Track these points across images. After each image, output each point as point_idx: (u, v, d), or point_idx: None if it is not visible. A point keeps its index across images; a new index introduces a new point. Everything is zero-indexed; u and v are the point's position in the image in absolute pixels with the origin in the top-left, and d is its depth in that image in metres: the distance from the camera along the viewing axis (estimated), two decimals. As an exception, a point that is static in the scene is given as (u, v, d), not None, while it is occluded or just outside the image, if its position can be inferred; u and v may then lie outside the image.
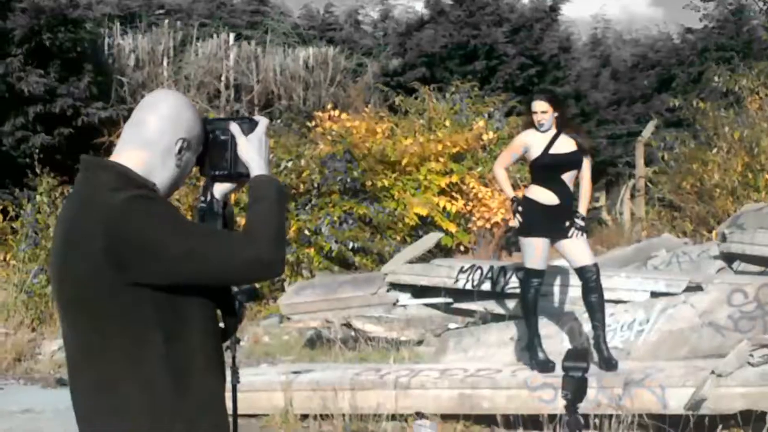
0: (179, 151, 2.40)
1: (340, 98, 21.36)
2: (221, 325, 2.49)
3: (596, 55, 27.99)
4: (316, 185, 13.48)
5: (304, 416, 6.70)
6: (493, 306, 8.16)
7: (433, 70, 22.67)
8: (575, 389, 3.44)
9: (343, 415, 6.31)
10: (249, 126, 2.49)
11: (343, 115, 16.03)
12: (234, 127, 2.47)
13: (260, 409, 6.83)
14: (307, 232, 12.74)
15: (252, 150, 2.45)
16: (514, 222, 6.55)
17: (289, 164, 13.46)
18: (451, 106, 17.27)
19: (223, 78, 21.02)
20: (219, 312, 2.45)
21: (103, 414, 2.29)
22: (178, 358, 2.28)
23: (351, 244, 12.72)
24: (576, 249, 6.49)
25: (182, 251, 2.21)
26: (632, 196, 19.06)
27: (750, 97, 14.45)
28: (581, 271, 6.49)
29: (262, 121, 2.49)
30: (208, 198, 2.52)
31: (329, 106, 17.00)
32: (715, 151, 14.15)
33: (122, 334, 2.25)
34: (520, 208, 6.45)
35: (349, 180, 13.53)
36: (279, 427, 6.66)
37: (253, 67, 21.55)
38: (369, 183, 13.94)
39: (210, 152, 2.50)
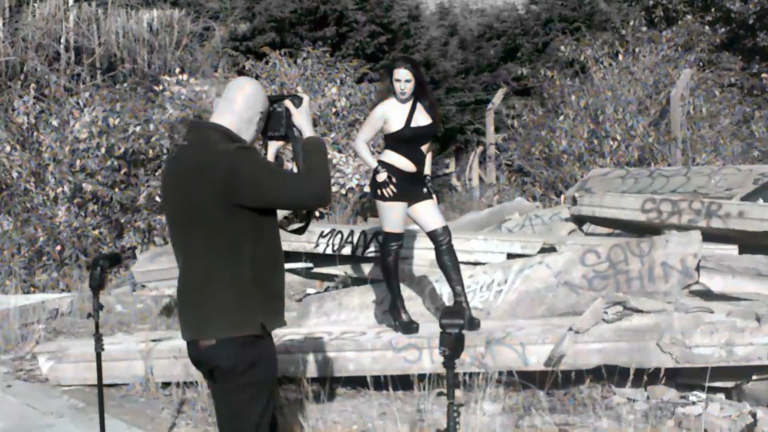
0: (258, 121, 3.54)
1: (186, 62, 20.80)
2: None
3: (444, 24, 28.29)
4: (164, 150, 13.11)
5: (166, 384, 6.54)
6: (354, 270, 8.16)
7: (282, 35, 22.36)
8: (453, 346, 3.48)
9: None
10: (298, 101, 3.56)
11: (192, 80, 15.63)
12: (288, 103, 3.56)
13: (119, 379, 6.64)
14: (157, 198, 12.39)
15: (303, 119, 3.57)
16: (388, 191, 6.45)
17: (137, 129, 13.04)
18: (303, 72, 17.11)
19: (62, 40, 20.08)
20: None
21: (206, 295, 3.37)
22: (259, 260, 3.39)
23: (204, 211, 12.46)
24: (427, 213, 6.56)
25: (272, 184, 3.32)
26: (480, 162, 19.44)
27: (594, 66, 14.94)
28: (433, 235, 6.57)
29: (306, 98, 3.60)
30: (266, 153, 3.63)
31: (177, 70, 16.54)
32: (561, 118, 14.58)
33: (226, 240, 3.34)
34: (393, 179, 6.39)
35: (200, 145, 13.21)
36: (140, 396, 6.48)
37: (95, 29, 20.69)
38: (220, 148, 13.67)
39: (270, 120, 3.59)
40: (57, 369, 6.93)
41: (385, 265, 6.64)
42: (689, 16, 19.96)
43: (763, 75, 21.07)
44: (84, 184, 12.20)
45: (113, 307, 9.82)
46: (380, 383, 6.15)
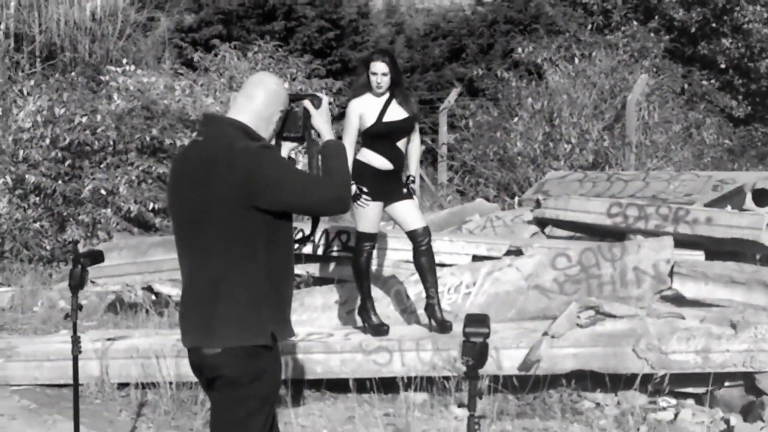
0: (277, 120, 3.36)
1: (130, 52, 20.32)
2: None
3: (391, 22, 28.21)
4: (111, 142, 12.72)
5: (123, 385, 6.27)
6: (315, 270, 7.96)
7: (229, 27, 22.06)
8: (477, 355, 3.31)
9: (170, 383, 5.93)
10: (318, 102, 3.40)
11: (139, 71, 15.22)
12: (307, 103, 3.39)
13: (71, 378, 6.31)
14: (103, 191, 12.01)
15: (322, 121, 3.41)
16: (362, 203, 6.20)
17: (84, 119, 12.62)
18: (253, 65, 16.80)
19: (2, 26, 19.46)
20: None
21: (215, 300, 3.19)
22: (273, 265, 3.23)
23: (152, 205, 12.12)
24: (407, 212, 6.37)
25: (293, 187, 3.16)
26: (421, 162, 19.22)
27: (550, 69, 14.90)
28: (413, 235, 6.38)
29: (325, 99, 3.43)
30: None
31: (124, 61, 16.11)
32: (516, 120, 14.52)
33: (239, 243, 3.17)
34: (365, 189, 6.19)
35: (147, 138, 12.88)
36: (95, 397, 6.19)
37: (36, 16, 20.12)
38: (169, 141, 13.33)
39: (287, 120, 3.40)
40: (6, 368, 6.60)
41: (356, 265, 6.42)
42: (635, 23, 20.14)
43: (704, 82, 21.37)
44: (27, 175, 11.78)
45: (56, 303, 9.48)
46: (364, 387, 5.98)
